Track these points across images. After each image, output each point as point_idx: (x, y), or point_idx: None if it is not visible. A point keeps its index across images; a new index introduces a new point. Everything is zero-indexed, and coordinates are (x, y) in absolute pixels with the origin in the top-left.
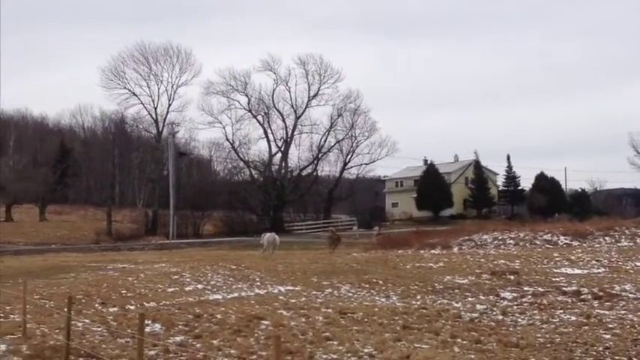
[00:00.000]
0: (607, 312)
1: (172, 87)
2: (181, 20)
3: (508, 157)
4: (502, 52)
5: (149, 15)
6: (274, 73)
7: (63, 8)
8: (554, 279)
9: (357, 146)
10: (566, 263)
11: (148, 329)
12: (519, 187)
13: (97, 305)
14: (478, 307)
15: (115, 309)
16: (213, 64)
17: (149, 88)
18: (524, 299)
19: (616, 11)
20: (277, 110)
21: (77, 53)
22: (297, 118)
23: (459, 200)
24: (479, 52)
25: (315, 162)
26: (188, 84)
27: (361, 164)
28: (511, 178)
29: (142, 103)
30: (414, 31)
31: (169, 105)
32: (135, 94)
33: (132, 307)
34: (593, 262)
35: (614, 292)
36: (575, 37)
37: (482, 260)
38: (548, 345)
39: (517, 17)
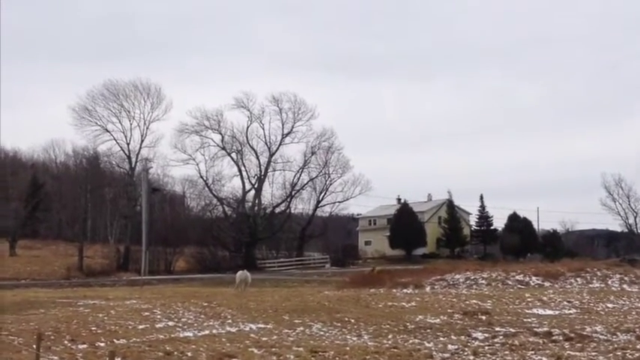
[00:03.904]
0: (578, 353)
1: (144, 123)
2: (150, 59)
3: (481, 197)
4: (468, 93)
5: (116, 53)
6: (248, 110)
7: (31, 45)
8: (525, 320)
9: (331, 184)
10: (538, 304)
11: None
12: (492, 227)
13: (66, 342)
14: (450, 347)
15: (85, 346)
16: (185, 102)
17: (121, 124)
18: (495, 340)
19: (575, 54)
20: (251, 147)
21: (48, 89)
22: (271, 155)
23: (432, 239)
24: (446, 92)
25: (289, 199)
26: (160, 119)
27: (334, 202)
28: (484, 218)
29: (114, 138)
30: (381, 72)
31: (142, 141)
32: (107, 130)
33: (102, 344)
34: (565, 303)
35: (585, 333)
36: (538, 78)
37: (454, 300)
38: None
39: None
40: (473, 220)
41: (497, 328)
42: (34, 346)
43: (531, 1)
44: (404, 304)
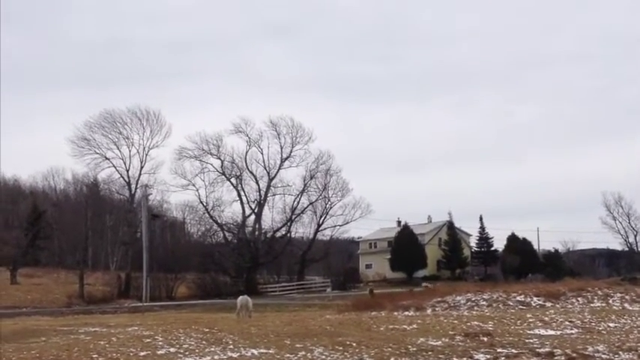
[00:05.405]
0: None
1: (144, 149)
2: (148, 85)
3: (481, 218)
4: (466, 114)
5: (115, 79)
6: (247, 135)
7: (28, 73)
8: (527, 340)
9: (331, 207)
10: (540, 324)
11: None
12: (492, 248)
13: None
14: None
15: None
16: (184, 129)
17: (120, 151)
18: None
19: (573, 75)
20: (250, 172)
21: (47, 116)
22: (270, 179)
23: (432, 261)
24: (444, 113)
25: (289, 223)
26: (160, 146)
27: (335, 225)
28: (484, 239)
29: (113, 166)
30: (379, 94)
31: (141, 167)
32: (106, 158)
33: None
34: (566, 323)
35: (587, 353)
36: (536, 99)
37: (455, 322)
38: None
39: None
40: (473, 241)
41: (499, 350)
42: None
43: (527, 23)
44: (405, 326)
